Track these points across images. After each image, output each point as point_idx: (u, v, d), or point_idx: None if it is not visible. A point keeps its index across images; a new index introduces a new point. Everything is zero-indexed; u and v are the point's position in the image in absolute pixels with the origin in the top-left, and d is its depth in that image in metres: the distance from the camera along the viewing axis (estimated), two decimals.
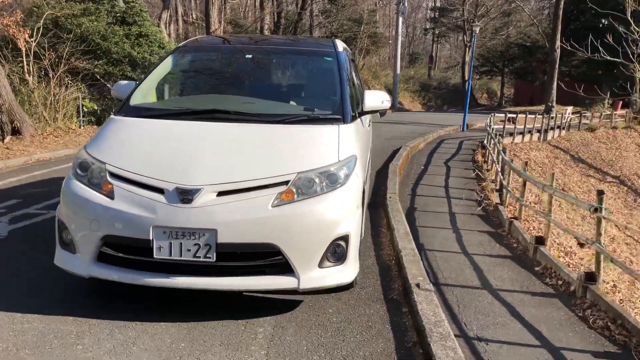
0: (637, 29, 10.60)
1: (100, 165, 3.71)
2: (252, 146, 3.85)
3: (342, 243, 3.64)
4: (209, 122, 4.08)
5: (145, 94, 4.70)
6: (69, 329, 3.46)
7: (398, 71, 38.87)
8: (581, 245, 7.97)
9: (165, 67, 5.03)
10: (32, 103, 13.10)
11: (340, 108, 4.32)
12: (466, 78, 38.71)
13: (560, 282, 5.39)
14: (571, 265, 6.76)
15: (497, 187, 9.74)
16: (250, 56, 5.22)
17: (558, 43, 29.54)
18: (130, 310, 3.73)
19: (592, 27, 31.08)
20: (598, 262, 5.20)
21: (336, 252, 3.63)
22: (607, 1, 26.62)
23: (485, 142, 14.95)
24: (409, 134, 17.69)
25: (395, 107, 34.58)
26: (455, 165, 12.93)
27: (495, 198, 9.07)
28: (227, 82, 5.11)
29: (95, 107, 14.88)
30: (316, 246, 3.53)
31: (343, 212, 3.63)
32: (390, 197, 7.41)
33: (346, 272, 3.71)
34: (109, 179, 3.62)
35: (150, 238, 3.39)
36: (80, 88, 14.37)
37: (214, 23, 21.87)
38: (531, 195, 10.96)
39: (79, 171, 3.78)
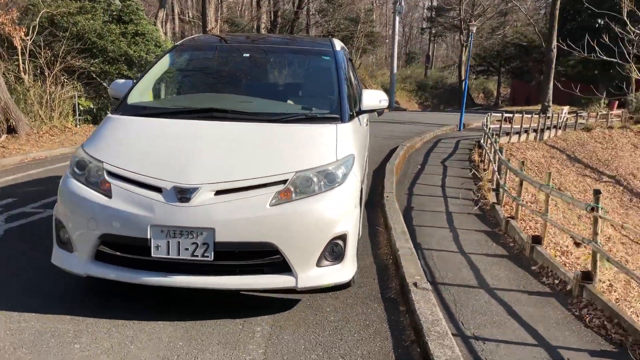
0: (633, 29, 10.62)
1: (97, 164, 3.70)
2: (250, 145, 3.85)
3: (340, 242, 3.64)
4: (206, 121, 4.08)
5: (142, 92, 4.68)
6: (66, 328, 3.46)
7: (395, 70, 38.90)
8: (577, 244, 8.01)
9: (162, 65, 5.01)
10: (28, 101, 13.06)
11: (338, 107, 4.32)
12: (463, 78, 38.77)
13: (556, 282, 5.40)
14: (567, 265, 6.78)
15: (494, 187, 9.76)
16: (247, 55, 5.22)
17: (554, 43, 29.59)
18: (128, 309, 3.73)
19: (589, 27, 31.19)
20: (594, 262, 5.21)
21: (334, 251, 3.63)
22: (604, 1, 26.71)
23: (481, 141, 14.98)
24: (405, 133, 17.71)
25: (392, 106, 34.60)
26: (452, 164, 12.95)
27: (491, 197, 9.09)
28: (224, 81, 5.11)
29: (92, 106, 14.86)
30: (314, 245, 3.53)
31: (341, 211, 3.63)
32: (387, 197, 7.42)
33: (344, 271, 3.71)
34: (106, 177, 3.61)
35: (148, 237, 3.38)
36: (76, 87, 14.34)
37: (211, 22, 21.83)
38: (527, 195, 10.99)
39: (76, 170, 3.77)
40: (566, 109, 28.14)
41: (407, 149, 13.77)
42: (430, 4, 59.88)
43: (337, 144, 3.90)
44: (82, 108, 14.50)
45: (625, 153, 24.27)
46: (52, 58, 14.05)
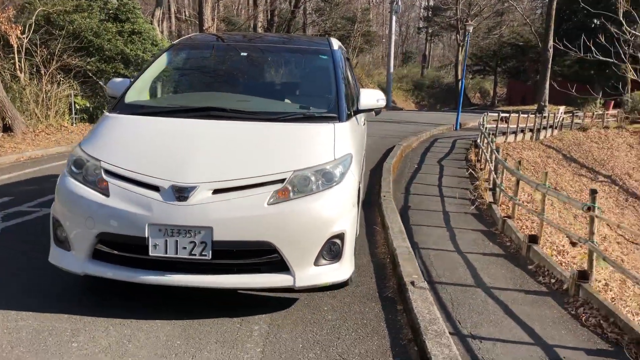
0: (628, 29, 10.66)
1: (95, 162, 3.70)
2: (247, 144, 3.85)
3: (338, 241, 3.64)
4: (204, 120, 4.07)
5: (139, 91, 4.68)
6: (63, 327, 3.45)
7: (391, 70, 38.97)
8: (573, 244, 8.04)
9: (159, 64, 5.01)
10: (24, 100, 13.03)
11: (336, 106, 4.32)
12: (459, 77, 38.81)
13: (553, 281, 5.42)
14: (564, 264, 6.80)
15: (491, 186, 9.78)
16: (245, 54, 5.21)
17: (551, 43, 29.70)
18: (126, 307, 3.73)
19: (585, 27, 31.25)
20: (591, 261, 5.23)
21: (332, 250, 3.63)
22: (600, 1, 26.79)
23: (478, 141, 15.01)
24: (402, 133, 17.73)
25: (389, 105, 34.64)
26: (449, 164, 12.97)
27: (488, 197, 9.11)
28: (222, 80, 5.11)
29: (88, 105, 14.82)
30: (312, 244, 3.54)
31: (339, 210, 3.64)
32: (384, 196, 7.43)
33: (342, 270, 3.72)
34: (104, 176, 3.60)
35: (146, 236, 3.38)
36: (72, 85, 14.30)
37: (207, 20, 21.82)
38: (524, 194, 11.02)
39: (73, 168, 3.77)
40: (562, 108, 28.25)
41: (403, 148, 13.79)
42: (426, 3, 59.95)
43: (335, 143, 3.90)
44: (78, 107, 14.46)
45: (621, 153, 24.38)
46: (48, 56, 14.00)
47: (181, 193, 3.42)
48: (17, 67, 13.51)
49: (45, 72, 13.70)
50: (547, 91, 31.96)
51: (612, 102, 31.58)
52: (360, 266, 4.76)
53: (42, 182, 7.87)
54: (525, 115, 21.32)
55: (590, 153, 23.26)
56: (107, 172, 3.62)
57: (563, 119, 25.43)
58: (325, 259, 3.62)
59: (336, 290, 4.20)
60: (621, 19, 10.67)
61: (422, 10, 61.89)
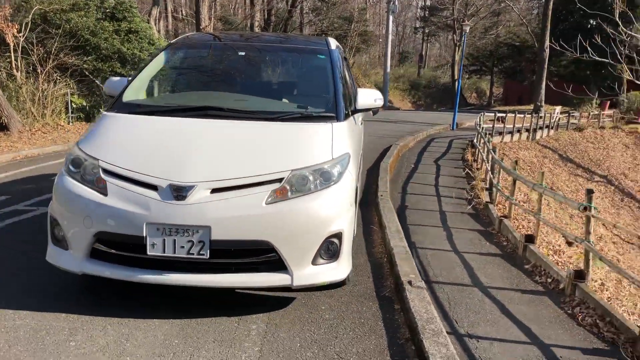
0: (625, 30, 10.70)
1: (93, 161, 3.70)
2: (245, 143, 3.85)
3: (336, 240, 3.65)
4: (202, 119, 4.07)
5: (137, 90, 4.68)
6: (61, 326, 3.45)
7: (388, 69, 38.95)
8: (569, 243, 8.07)
9: (157, 63, 5.01)
10: (20, 99, 12.99)
11: (333, 106, 4.33)
12: (456, 77, 38.90)
13: (549, 280, 5.44)
14: (560, 264, 6.83)
15: (487, 186, 9.81)
16: (243, 53, 5.21)
17: (547, 43, 29.74)
18: (123, 306, 3.73)
19: (581, 27, 31.36)
20: (587, 261, 5.26)
21: (329, 249, 3.64)
22: (596, 2, 26.86)
23: (474, 141, 15.03)
24: (399, 133, 17.74)
25: (386, 105, 34.53)
26: (446, 163, 12.99)
27: (485, 197, 9.13)
28: (220, 79, 5.10)
29: (84, 104, 14.79)
30: (310, 243, 3.54)
31: (336, 209, 3.64)
32: (381, 195, 7.44)
33: (339, 270, 3.72)
34: (102, 175, 3.60)
35: (144, 235, 3.38)
36: (69, 84, 14.26)
37: (204, 20, 21.79)
38: (520, 194, 11.04)
39: (71, 167, 3.76)
40: (558, 108, 28.31)
41: (400, 147, 13.80)
42: (423, 3, 59.97)
43: (333, 142, 3.91)
44: (74, 105, 14.42)
45: (617, 153, 24.46)
46: (45, 55, 13.96)
47: (179, 192, 3.43)
48: (14, 65, 13.47)
49: (41, 71, 13.66)
50: (543, 91, 32.02)
51: (608, 102, 31.67)
52: (357, 265, 4.77)
53: (39, 181, 7.86)
54: (522, 115, 21.37)
55: (586, 153, 23.32)
56: (105, 171, 3.62)
57: (559, 119, 25.49)
58: (323, 258, 3.63)
59: (334, 290, 4.21)
60: (617, 19, 10.70)
61: (418, 10, 61.92)
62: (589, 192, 5.43)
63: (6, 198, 6.64)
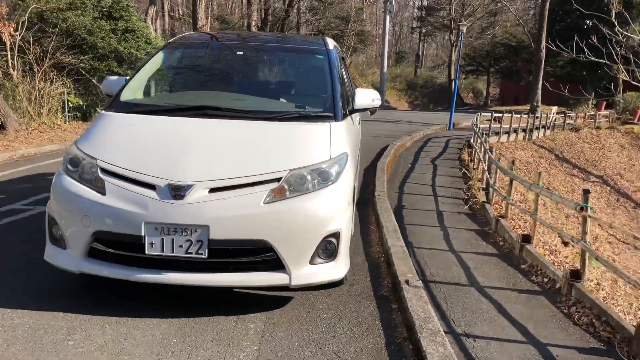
0: (621, 30, 10.73)
1: (91, 160, 3.70)
2: (244, 143, 3.86)
3: (333, 240, 3.66)
4: (200, 119, 4.07)
5: (135, 90, 4.68)
6: (59, 325, 3.46)
7: (385, 69, 38.99)
8: (565, 243, 8.10)
9: (155, 63, 5.01)
10: (17, 98, 12.97)
11: (331, 106, 4.34)
12: (452, 77, 38.91)
13: (546, 280, 5.46)
14: (556, 263, 6.85)
15: (484, 186, 9.83)
16: (241, 53, 5.22)
17: (543, 43, 29.78)
18: (122, 306, 3.73)
19: (577, 28, 31.40)
20: (583, 260, 5.27)
21: (327, 248, 3.65)
22: (592, 2, 26.94)
23: (471, 141, 15.07)
24: (396, 132, 17.77)
25: (382, 105, 34.62)
26: (442, 163, 13.02)
27: (481, 196, 9.15)
28: (218, 79, 5.11)
29: (81, 103, 14.77)
30: (308, 243, 3.55)
31: (334, 209, 3.66)
32: (378, 195, 7.46)
33: (337, 269, 3.74)
34: (100, 174, 3.60)
35: (142, 234, 3.39)
36: (65, 83, 14.25)
37: (201, 19, 21.76)
38: (516, 194, 11.08)
39: (69, 167, 3.76)
40: (555, 109, 28.41)
41: (397, 147, 13.82)
42: (420, 3, 60.11)
43: (331, 142, 3.92)
44: (71, 105, 14.41)
45: (613, 153, 24.56)
46: (42, 54, 13.95)
47: (177, 191, 3.43)
48: (10, 64, 13.44)
49: (38, 70, 13.65)
50: (539, 91, 32.05)
51: (604, 102, 31.80)
52: (355, 265, 4.78)
53: (36, 180, 7.85)
54: (518, 116, 21.42)
55: (582, 153, 23.41)
56: (103, 170, 3.62)
57: (555, 119, 25.58)
58: (321, 258, 3.64)
59: (331, 289, 4.22)
60: (613, 20, 10.73)
61: (415, 10, 62.07)
62: (586, 192, 5.45)
63: (3, 197, 6.63)
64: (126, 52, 15.32)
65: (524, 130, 21.72)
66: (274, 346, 3.36)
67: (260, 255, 3.52)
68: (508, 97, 48.14)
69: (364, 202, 7.38)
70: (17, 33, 13.48)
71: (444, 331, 3.71)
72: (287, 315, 3.78)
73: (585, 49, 10.65)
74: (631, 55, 11.06)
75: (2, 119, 11.66)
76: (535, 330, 4.26)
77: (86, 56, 14.90)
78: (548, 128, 24.10)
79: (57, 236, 3.68)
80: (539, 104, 31.61)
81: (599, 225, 13.11)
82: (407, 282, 4.21)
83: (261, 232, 3.44)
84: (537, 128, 22.97)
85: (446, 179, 11.03)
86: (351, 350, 3.38)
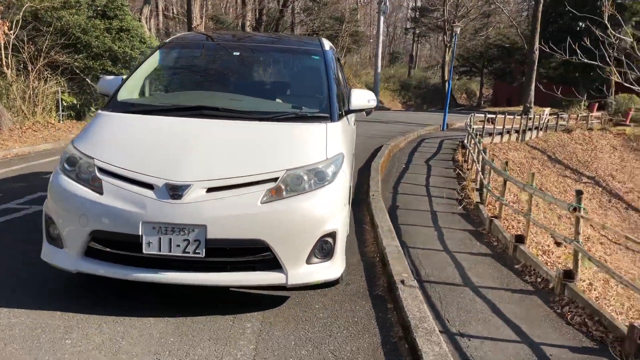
0: (613, 32, 10.81)
1: (88, 160, 3.71)
2: (240, 143, 3.88)
3: (330, 240, 3.69)
4: (197, 119, 4.09)
5: (132, 89, 4.69)
6: (57, 324, 3.46)
7: (379, 70, 39.02)
8: (558, 244, 8.17)
9: (151, 63, 5.02)
10: (11, 96, 12.91)
11: (327, 106, 4.37)
12: (446, 78, 39.06)
13: (539, 280, 5.51)
14: (549, 264, 6.91)
15: (478, 187, 9.88)
16: (237, 53, 5.24)
17: (537, 45, 29.93)
18: (119, 305, 3.74)
19: (570, 30, 31.57)
20: (576, 261, 5.33)
21: (324, 248, 3.68)
22: (585, 4, 27.10)
23: (465, 141, 15.14)
24: (390, 133, 17.82)
25: (377, 105, 34.68)
26: (436, 164, 13.07)
27: (475, 197, 9.21)
28: (214, 79, 5.12)
29: (75, 102, 14.72)
30: (304, 242, 3.58)
31: (331, 209, 3.68)
32: (373, 195, 7.49)
33: (333, 269, 3.77)
34: (97, 174, 3.61)
35: (140, 233, 3.40)
36: (59, 82, 14.19)
37: (196, 19, 21.76)
38: (510, 195, 11.14)
39: (66, 166, 3.77)
40: (547, 110, 28.56)
41: (391, 148, 13.87)
42: (414, 4, 60.18)
43: (327, 142, 3.95)
44: (65, 104, 14.35)
45: (605, 154, 24.72)
46: (36, 53, 13.88)
47: (175, 191, 3.45)
48: (4, 63, 13.38)
49: (32, 69, 13.58)
50: (532, 93, 32.22)
51: (597, 104, 31.98)
52: (350, 264, 4.81)
53: (30, 179, 7.83)
54: (511, 117, 21.54)
55: (574, 154, 23.55)
56: (101, 170, 3.63)
57: (548, 120, 25.72)
58: (317, 257, 3.67)
59: (327, 289, 4.24)
60: (606, 22, 10.81)
61: (409, 11, 62.15)
62: (579, 194, 5.51)
63: None
64: (120, 52, 15.27)
65: (517, 132, 21.83)
66: (270, 345, 3.39)
67: (257, 254, 3.54)
68: (501, 98, 48.32)
69: (359, 201, 7.41)
70: (12, 32, 13.41)
71: (439, 331, 3.75)
72: (284, 314, 3.80)
73: (578, 51, 10.72)
74: (623, 57, 11.15)
75: None
76: (529, 329, 4.30)
77: (80, 55, 14.84)
78: (541, 129, 24.23)
79: (55, 235, 3.69)
80: (532, 105, 31.78)
81: (591, 225, 13.20)
82: (402, 281, 4.24)
83: (258, 231, 3.47)
84: (530, 129, 23.09)
85: (440, 179, 11.09)
86: (347, 350, 3.41)
